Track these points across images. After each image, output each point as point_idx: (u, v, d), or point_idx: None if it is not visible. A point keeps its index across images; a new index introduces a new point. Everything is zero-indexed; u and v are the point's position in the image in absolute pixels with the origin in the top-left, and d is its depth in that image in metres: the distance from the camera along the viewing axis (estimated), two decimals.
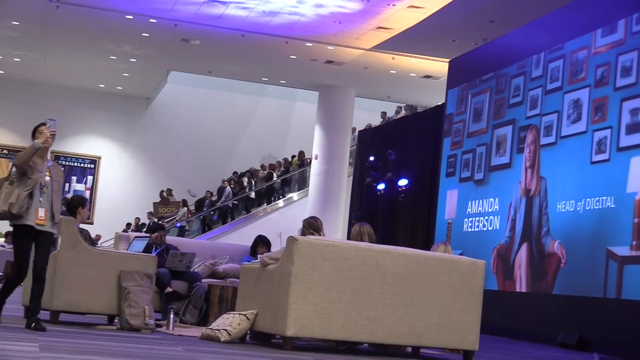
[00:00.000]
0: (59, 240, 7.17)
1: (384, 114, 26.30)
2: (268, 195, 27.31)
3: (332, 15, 18.26)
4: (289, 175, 27.78)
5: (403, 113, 25.24)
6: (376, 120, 26.24)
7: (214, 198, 27.71)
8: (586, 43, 12.03)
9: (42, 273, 6.93)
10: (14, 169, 6.84)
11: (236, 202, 27.41)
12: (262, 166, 28.87)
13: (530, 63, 13.42)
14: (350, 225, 18.73)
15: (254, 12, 18.59)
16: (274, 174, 27.69)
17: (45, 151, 6.90)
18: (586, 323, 11.01)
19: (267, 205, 26.90)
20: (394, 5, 17.32)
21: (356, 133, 24.98)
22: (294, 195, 27.05)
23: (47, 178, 6.90)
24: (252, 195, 27.41)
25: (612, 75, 11.33)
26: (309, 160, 26.44)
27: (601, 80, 11.56)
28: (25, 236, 6.86)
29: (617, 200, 10.85)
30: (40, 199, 6.81)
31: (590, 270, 11.15)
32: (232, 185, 27.69)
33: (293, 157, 28.55)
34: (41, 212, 6.80)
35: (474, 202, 14.52)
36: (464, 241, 14.42)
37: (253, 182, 27.74)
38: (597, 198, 11.24)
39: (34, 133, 6.90)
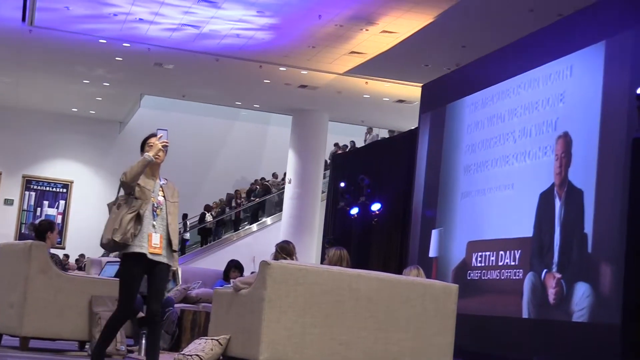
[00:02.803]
0: (179, 273, 6.09)
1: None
2: (204, 235, 27.31)
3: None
4: (225, 216, 27.85)
5: (339, 150, 25.99)
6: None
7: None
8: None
9: (156, 313, 5.86)
10: (121, 191, 5.87)
11: None
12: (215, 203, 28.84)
13: (502, 87, 13.46)
14: (324, 249, 18.68)
15: (227, 36, 18.63)
16: (207, 215, 27.66)
17: (156, 167, 5.94)
18: (557, 346, 11.01)
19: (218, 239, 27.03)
20: (367, 30, 17.41)
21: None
22: (268, 220, 27.00)
23: (160, 198, 5.95)
24: (187, 236, 27.37)
25: None
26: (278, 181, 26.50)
27: None
28: (134, 266, 5.78)
29: None
30: (154, 222, 5.84)
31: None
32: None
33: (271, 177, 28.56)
34: (155, 239, 5.79)
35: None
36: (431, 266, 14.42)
37: (187, 224, 27.82)
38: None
39: (143, 146, 5.97)
